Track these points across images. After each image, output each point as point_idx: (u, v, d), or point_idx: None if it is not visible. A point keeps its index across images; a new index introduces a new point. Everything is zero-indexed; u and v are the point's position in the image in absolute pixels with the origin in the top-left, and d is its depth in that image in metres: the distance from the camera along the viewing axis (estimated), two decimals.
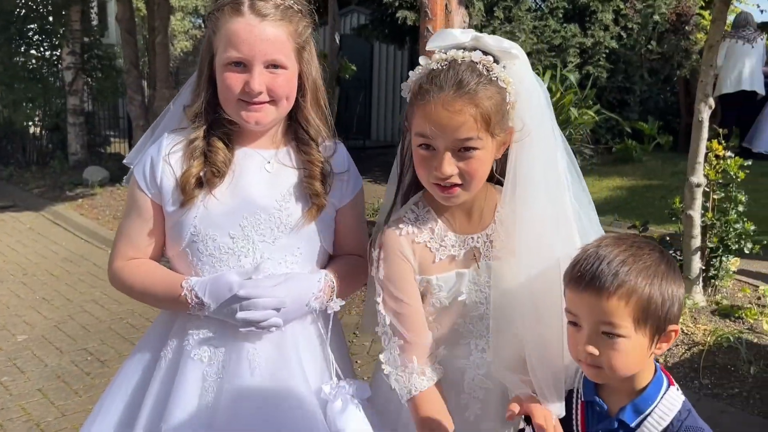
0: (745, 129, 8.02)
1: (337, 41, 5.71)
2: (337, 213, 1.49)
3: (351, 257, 1.53)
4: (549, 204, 1.26)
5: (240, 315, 1.31)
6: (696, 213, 3.79)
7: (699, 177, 3.76)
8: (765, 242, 3.92)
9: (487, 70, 1.21)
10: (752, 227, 3.87)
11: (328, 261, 1.52)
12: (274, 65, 1.33)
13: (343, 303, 1.47)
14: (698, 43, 9.39)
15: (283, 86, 1.34)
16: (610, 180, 7.67)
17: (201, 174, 1.37)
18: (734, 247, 3.86)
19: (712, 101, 3.70)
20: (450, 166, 1.21)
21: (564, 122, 7.82)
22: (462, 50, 1.23)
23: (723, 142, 3.91)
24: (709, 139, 3.84)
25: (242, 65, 1.31)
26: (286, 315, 1.35)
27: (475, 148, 1.21)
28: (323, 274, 1.44)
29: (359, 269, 1.51)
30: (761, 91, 7.55)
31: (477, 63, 1.21)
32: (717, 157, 3.86)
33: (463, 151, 1.21)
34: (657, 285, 1.09)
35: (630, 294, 1.07)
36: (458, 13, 5.15)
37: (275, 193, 1.41)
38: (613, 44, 8.40)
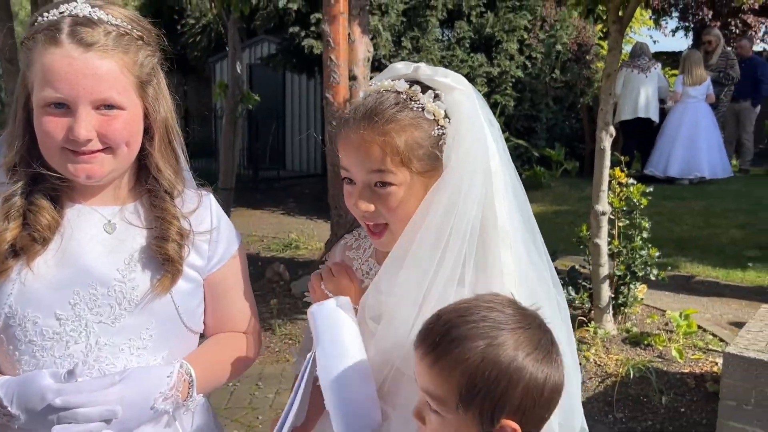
0: (646, 155, 8.32)
1: (239, 70, 5.47)
2: (205, 281, 1.23)
3: (227, 336, 1.27)
4: (433, 264, 1.05)
5: (56, 430, 1.01)
6: (602, 241, 3.77)
7: (604, 205, 3.76)
8: (669, 268, 3.95)
9: (411, 100, 1.08)
10: (656, 253, 3.90)
11: (199, 343, 1.25)
12: (106, 105, 1.07)
13: (204, 399, 1.20)
14: (599, 72, 9.76)
15: (119, 131, 1.09)
16: None
17: (16, 240, 1.08)
18: (641, 273, 3.87)
19: (612, 129, 3.72)
20: (364, 202, 1.09)
21: None
22: (395, 81, 1.11)
23: (625, 169, 3.94)
24: (612, 167, 3.86)
25: (64, 106, 1.05)
26: (123, 425, 1.07)
27: (389, 183, 1.07)
28: (177, 366, 1.15)
29: (238, 351, 1.25)
30: (655, 118, 7.88)
31: (401, 92, 1.09)
32: (620, 184, 3.87)
33: (378, 186, 1.08)
34: (498, 358, 0.86)
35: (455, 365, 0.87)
36: (362, 43, 5.03)
37: (117, 260, 1.14)
38: (519, 73, 8.58)
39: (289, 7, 7.93)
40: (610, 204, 3.81)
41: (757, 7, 12.28)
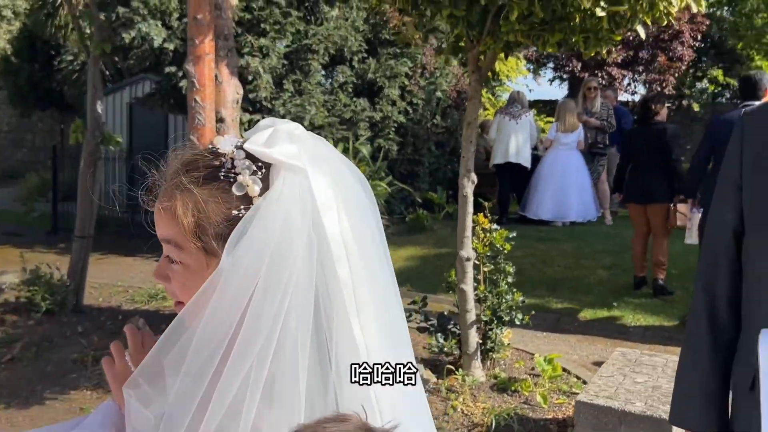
0: (522, 198, 8.66)
1: (99, 110, 5.14)
2: None
3: None
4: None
5: None
6: (468, 287, 3.77)
7: (468, 251, 3.77)
8: (533, 312, 4.01)
9: (225, 167, 0.86)
10: (521, 298, 3.95)
11: None
12: None
13: None
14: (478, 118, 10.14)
15: None
16: (404, 250, 7.76)
17: None
18: (506, 318, 3.90)
19: (474, 176, 3.76)
20: (158, 275, 0.91)
21: None
22: (227, 140, 0.90)
23: (489, 215, 3.99)
24: (476, 213, 3.90)
25: None
26: None
27: (174, 260, 0.87)
28: None
29: None
30: (526, 164, 8.21)
31: (221, 155, 0.87)
32: (484, 230, 3.91)
33: (167, 260, 0.88)
34: None
35: None
36: (230, 84, 4.88)
37: None
38: (401, 118, 8.72)
39: (165, 47, 7.66)
40: (475, 249, 3.83)
41: (620, 60, 13.33)
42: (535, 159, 8.70)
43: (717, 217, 1.39)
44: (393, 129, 8.67)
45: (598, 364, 4.32)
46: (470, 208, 3.77)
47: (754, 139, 1.30)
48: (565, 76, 15.82)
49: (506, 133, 8.10)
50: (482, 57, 3.67)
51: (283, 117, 7.78)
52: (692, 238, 5.30)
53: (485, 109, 10.62)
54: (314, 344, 0.84)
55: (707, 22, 14.57)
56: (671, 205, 5.61)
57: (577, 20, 3.22)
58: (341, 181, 0.90)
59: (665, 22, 3.26)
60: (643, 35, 3.31)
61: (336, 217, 0.86)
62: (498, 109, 8.72)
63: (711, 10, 19.44)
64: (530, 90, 26.44)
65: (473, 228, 3.91)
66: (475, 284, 3.90)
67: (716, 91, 19.54)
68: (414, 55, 9.00)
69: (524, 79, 15.01)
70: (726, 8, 21.11)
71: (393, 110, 8.62)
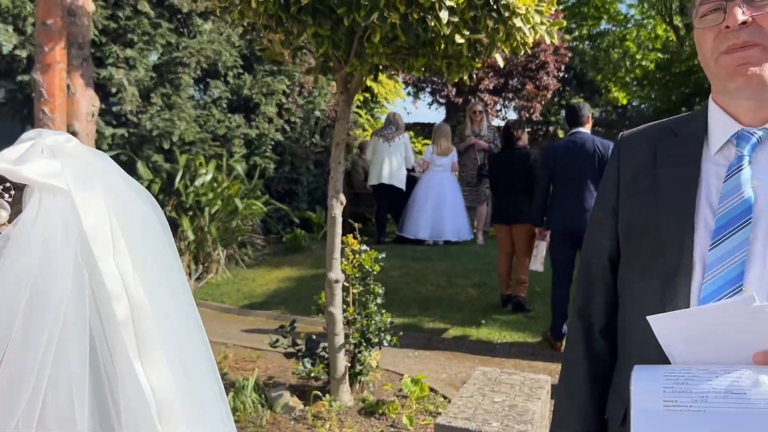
0: (398, 218, 8.78)
1: None
2: None
3: None
4: None
5: None
6: (337, 309, 3.71)
7: (337, 273, 3.71)
8: (401, 334, 4.02)
9: None
10: (389, 319, 3.94)
11: None
12: None
13: None
14: (357, 139, 10.19)
15: None
16: (280, 271, 7.60)
17: None
18: (375, 340, 3.87)
19: (342, 197, 3.72)
20: None
21: (232, 213, 7.59)
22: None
23: (358, 236, 3.96)
24: (345, 234, 3.86)
25: None
26: None
27: None
28: None
29: None
30: (401, 185, 8.34)
31: None
32: (354, 251, 3.88)
33: None
34: None
35: None
36: (85, 96, 4.55)
37: None
38: (279, 136, 8.58)
39: (17, 54, 7.06)
40: (344, 271, 3.78)
41: (491, 87, 14.00)
42: (413, 180, 8.87)
43: (593, 242, 1.38)
44: (270, 147, 8.51)
45: (465, 382, 4.40)
46: (339, 230, 3.73)
47: (629, 163, 1.30)
48: (442, 101, 16.39)
49: (381, 154, 8.20)
50: (350, 78, 3.66)
51: (150, 131, 7.40)
52: (537, 264, 5.54)
53: (364, 130, 10.72)
54: (92, 392, 0.73)
55: (570, 55, 15.65)
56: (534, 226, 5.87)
57: (441, 46, 3.30)
58: (121, 203, 0.79)
59: (522, 52, 3.41)
60: (501, 63, 3.44)
61: (110, 246, 0.75)
62: (374, 130, 8.81)
63: (574, 43, 20.99)
64: (408, 113, 27.23)
65: (343, 249, 3.86)
66: (345, 306, 3.85)
67: None
68: (291, 72, 8.92)
69: (403, 102, 15.34)
70: (587, 42, 22.87)
71: (270, 128, 8.47)
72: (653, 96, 19.04)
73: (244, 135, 8.24)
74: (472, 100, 13.65)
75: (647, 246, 1.21)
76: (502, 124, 16.09)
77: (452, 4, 2.74)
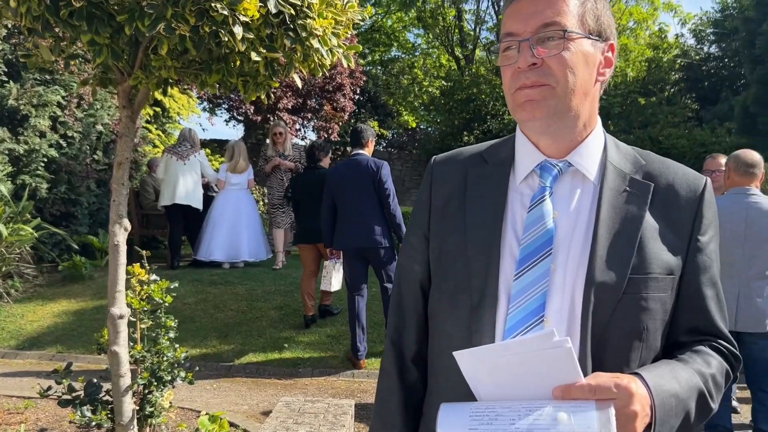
0: (195, 240, 8.29)
1: None
2: None
3: None
4: None
5: None
6: (122, 348, 3.32)
7: (121, 307, 3.33)
8: (198, 369, 3.74)
9: None
10: (184, 353, 3.64)
11: None
12: None
13: None
14: (147, 156, 9.50)
15: None
16: (56, 304, 6.74)
17: None
18: (168, 378, 3.54)
19: (127, 222, 3.36)
20: None
21: None
22: None
23: (147, 265, 3.61)
24: (131, 263, 3.49)
25: None
26: None
27: None
28: None
29: None
30: (197, 205, 7.90)
31: None
32: (141, 282, 3.52)
33: None
34: None
35: None
36: None
37: None
38: (53, 153, 7.65)
39: None
40: (129, 305, 3.41)
41: (290, 107, 14.01)
42: (210, 200, 8.46)
43: (405, 268, 1.34)
44: (42, 164, 7.55)
45: (267, 413, 4.23)
46: (123, 259, 3.35)
47: (440, 188, 1.29)
48: (240, 118, 16.02)
49: (174, 173, 7.69)
50: (135, 92, 3.34)
51: None
52: (326, 284, 5.60)
53: (155, 146, 10.03)
54: None
55: (364, 78, 16.27)
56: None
57: (236, 63, 3.14)
58: None
59: (320, 74, 3.37)
60: (299, 83, 3.37)
61: None
62: (166, 147, 8.25)
63: (368, 68, 21.91)
64: (204, 129, 26.21)
65: (128, 281, 3.49)
66: (132, 344, 3.47)
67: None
68: (68, 83, 8.04)
69: (198, 117, 14.73)
70: (379, 67, 24.03)
71: (42, 143, 7.52)
72: (438, 120, 20.51)
73: (10, 151, 7.21)
74: (271, 118, 13.52)
75: (455, 274, 1.20)
76: (304, 143, 16.22)
77: (247, 19, 2.61)
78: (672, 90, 17.57)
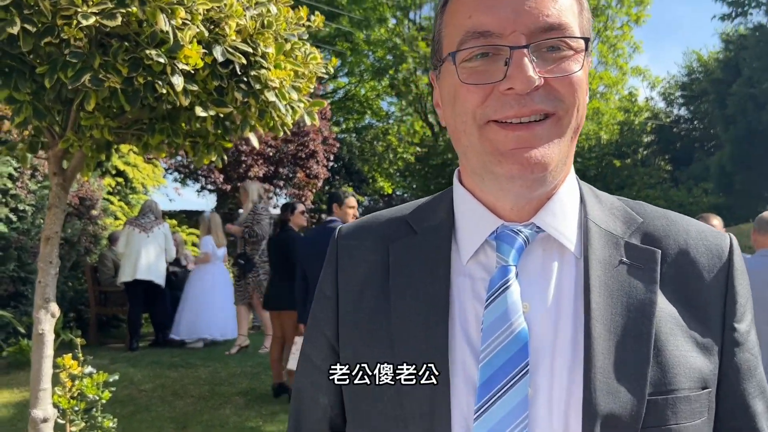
0: (158, 317, 7.71)
1: None
2: None
3: None
4: None
5: None
6: None
7: (46, 409, 2.80)
8: None
9: None
10: None
11: None
12: None
13: None
14: (107, 228, 9.00)
15: None
16: None
17: None
18: None
19: (55, 307, 2.88)
20: None
21: None
22: None
23: (80, 355, 3.10)
24: (60, 355, 2.98)
25: None
26: None
27: None
28: None
29: None
30: (159, 281, 7.35)
31: None
32: (72, 377, 3.00)
33: None
34: None
35: None
36: None
37: None
38: (2, 227, 7.12)
39: None
40: (56, 405, 2.88)
41: (261, 174, 13.69)
42: (170, 274, 7.95)
43: (305, 399, 0.91)
44: None
45: None
46: (49, 351, 2.86)
47: (350, 276, 0.88)
48: (211, 188, 15.64)
49: (136, 246, 7.19)
50: (68, 157, 2.93)
51: None
52: (294, 362, 5.13)
53: (117, 218, 9.54)
54: None
55: (338, 145, 16.11)
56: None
57: (182, 122, 2.76)
58: None
59: (281, 133, 3.01)
60: (256, 143, 3.00)
61: None
62: (128, 219, 7.78)
63: (342, 135, 21.88)
64: (171, 200, 25.81)
65: (58, 375, 2.98)
66: None
67: None
68: (23, 154, 7.59)
69: (165, 188, 14.31)
70: (353, 135, 24.06)
71: None
72: (414, 185, 20.36)
73: None
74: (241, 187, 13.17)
75: (381, 416, 0.78)
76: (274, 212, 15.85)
77: (189, 69, 2.24)
78: (645, 152, 17.72)
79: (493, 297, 0.76)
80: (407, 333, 0.78)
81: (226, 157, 3.11)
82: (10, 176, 7.40)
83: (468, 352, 0.76)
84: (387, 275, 0.83)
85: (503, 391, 0.72)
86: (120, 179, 9.85)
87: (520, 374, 0.72)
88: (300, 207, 5.98)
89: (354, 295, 0.85)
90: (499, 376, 0.73)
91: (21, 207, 7.49)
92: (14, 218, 7.40)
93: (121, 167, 9.71)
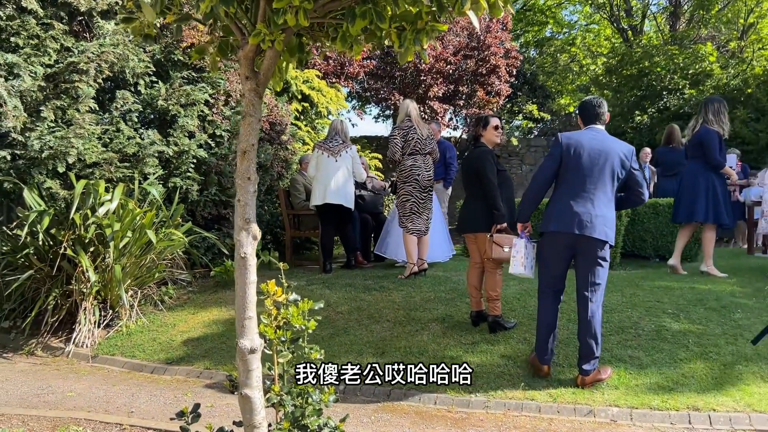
0: (348, 241, 7.66)
1: None
2: None
3: None
4: None
5: None
6: (254, 391, 2.58)
7: (252, 339, 2.58)
8: (349, 416, 2.91)
9: None
10: (332, 397, 2.83)
11: None
12: None
13: None
14: (297, 153, 9.06)
15: None
16: (207, 312, 6.37)
17: None
18: (313, 427, 2.75)
19: (256, 228, 2.61)
20: None
21: (147, 245, 6.35)
22: None
23: (285, 282, 2.84)
24: (260, 276, 2.74)
25: None
26: None
27: None
28: None
29: None
30: (349, 204, 7.16)
31: None
32: (277, 304, 2.75)
33: None
34: None
35: None
36: None
37: None
38: (202, 153, 7.36)
39: None
40: (263, 335, 2.66)
41: (440, 94, 13.09)
42: (359, 198, 7.80)
43: None
44: (192, 166, 7.28)
45: None
46: (252, 276, 2.61)
47: None
48: (389, 112, 15.42)
49: (325, 170, 7.06)
50: (259, 58, 2.57)
51: (40, 151, 6.11)
52: (517, 267, 4.62)
53: (304, 143, 9.59)
54: None
55: (521, 58, 14.95)
56: (488, 235, 5.03)
57: (388, 3, 2.25)
58: None
59: (501, 13, 2.39)
60: (476, 24, 2.41)
61: None
62: (316, 143, 7.66)
63: (522, 50, 20.44)
64: (354, 125, 26.25)
65: (263, 302, 2.75)
66: (270, 383, 2.72)
67: (529, 126, 20.45)
68: (215, 80, 7.74)
69: (347, 112, 14.30)
70: (533, 50, 22.39)
71: (191, 144, 7.25)
72: (606, 100, 18.59)
73: (160, 153, 7.00)
74: (421, 108, 12.71)
75: None
76: (453, 135, 15.14)
77: None
78: None
79: None
80: None
81: (432, 47, 2.54)
82: (206, 102, 7.57)
83: None
84: None
85: None
86: (305, 104, 9.85)
87: None
88: (494, 121, 5.35)
89: None
90: None
91: (218, 133, 7.68)
92: (212, 144, 7.61)
93: (306, 92, 9.67)
